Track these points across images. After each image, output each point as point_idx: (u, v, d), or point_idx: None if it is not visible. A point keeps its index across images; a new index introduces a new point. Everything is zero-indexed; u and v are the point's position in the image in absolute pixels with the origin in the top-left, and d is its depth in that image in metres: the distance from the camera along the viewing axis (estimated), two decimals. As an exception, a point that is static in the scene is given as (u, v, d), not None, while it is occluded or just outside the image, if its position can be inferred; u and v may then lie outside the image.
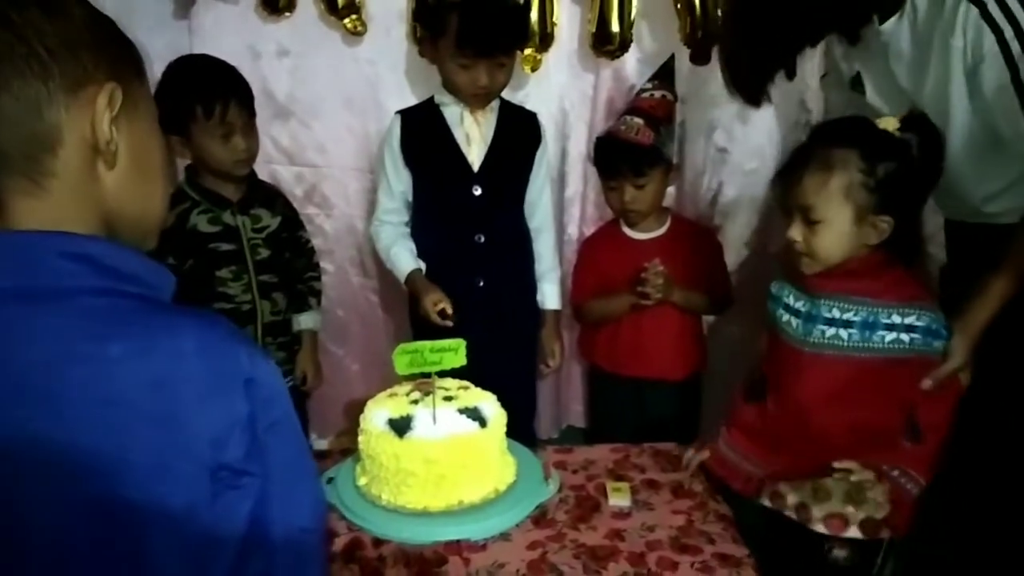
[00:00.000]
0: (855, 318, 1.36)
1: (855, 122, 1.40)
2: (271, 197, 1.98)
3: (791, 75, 1.56)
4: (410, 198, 1.99)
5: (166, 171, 0.79)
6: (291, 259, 2.00)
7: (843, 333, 1.36)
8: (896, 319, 1.35)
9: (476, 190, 1.94)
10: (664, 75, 2.02)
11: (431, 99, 1.97)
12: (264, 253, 1.91)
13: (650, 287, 1.92)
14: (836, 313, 1.37)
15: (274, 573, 0.69)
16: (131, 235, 0.74)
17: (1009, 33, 1.29)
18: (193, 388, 0.65)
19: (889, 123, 1.34)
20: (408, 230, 2.01)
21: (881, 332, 1.35)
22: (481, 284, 1.97)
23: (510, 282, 2.03)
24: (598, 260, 2.09)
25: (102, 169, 0.71)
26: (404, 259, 1.96)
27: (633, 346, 2.04)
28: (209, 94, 1.76)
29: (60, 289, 0.65)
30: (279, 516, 0.69)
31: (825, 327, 1.37)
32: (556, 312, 2.12)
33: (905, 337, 1.35)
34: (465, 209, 1.95)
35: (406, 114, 1.98)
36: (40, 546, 0.63)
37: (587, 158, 2.26)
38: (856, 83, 1.64)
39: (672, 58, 2.05)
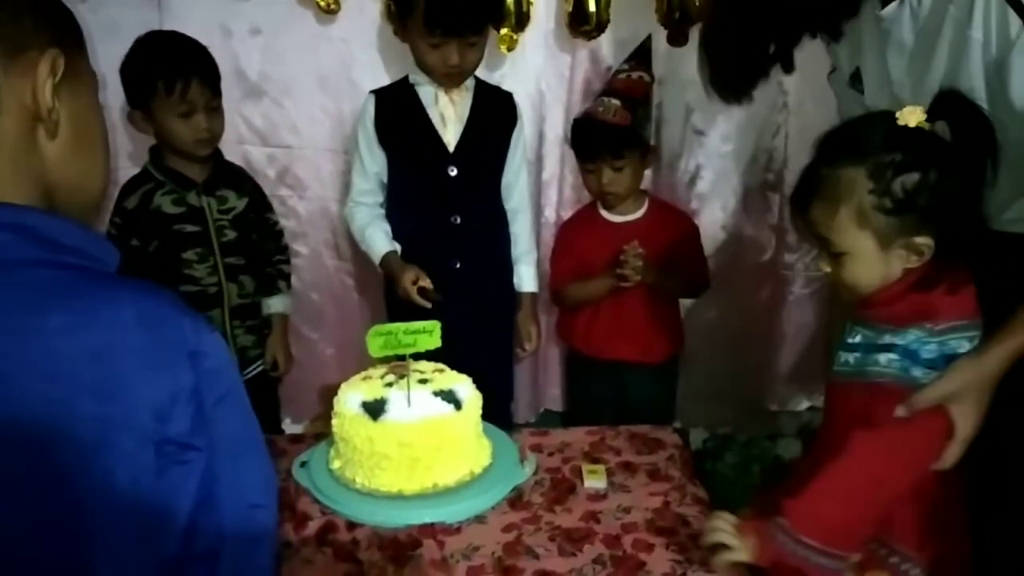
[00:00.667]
0: (862, 341, 1.20)
1: (863, 127, 1.17)
2: (238, 178, 1.95)
3: (788, 69, 1.41)
4: (385, 179, 1.97)
5: (107, 145, 0.77)
6: (259, 241, 1.97)
7: (850, 358, 1.21)
8: (888, 338, 1.15)
9: (452, 171, 1.91)
10: (640, 56, 2.01)
11: (405, 79, 1.94)
12: (230, 235, 1.88)
13: (629, 269, 1.91)
14: (858, 338, 1.21)
15: (224, 550, 0.67)
16: (71, 208, 0.72)
17: None
18: (134, 359, 0.64)
19: (912, 116, 1.09)
20: (383, 211, 1.99)
21: (875, 355, 1.17)
22: (457, 266, 1.95)
23: (486, 264, 2.02)
24: (576, 244, 2.08)
25: (43, 138, 0.69)
26: (379, 241, 1.93)
27: (611, 329, 2.04)
28: (171, 71, 1.73)
29: None
30: (228, 491, 0.67)
31: (842, 352, 1.23)
32: (533, 295, 2.11)
33: (883, 359, 1.16)
34: (440, 190, 1.93)
35: (380, 94, 1.95)
36: None
37: (564, 140, 2.25)
38: (856, 80, 1.46)
39: (649, 39, 2.03)
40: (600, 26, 2.15)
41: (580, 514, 1.36)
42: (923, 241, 1.12)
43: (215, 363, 0.67)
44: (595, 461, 1.52)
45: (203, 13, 2.10)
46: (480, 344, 1.89)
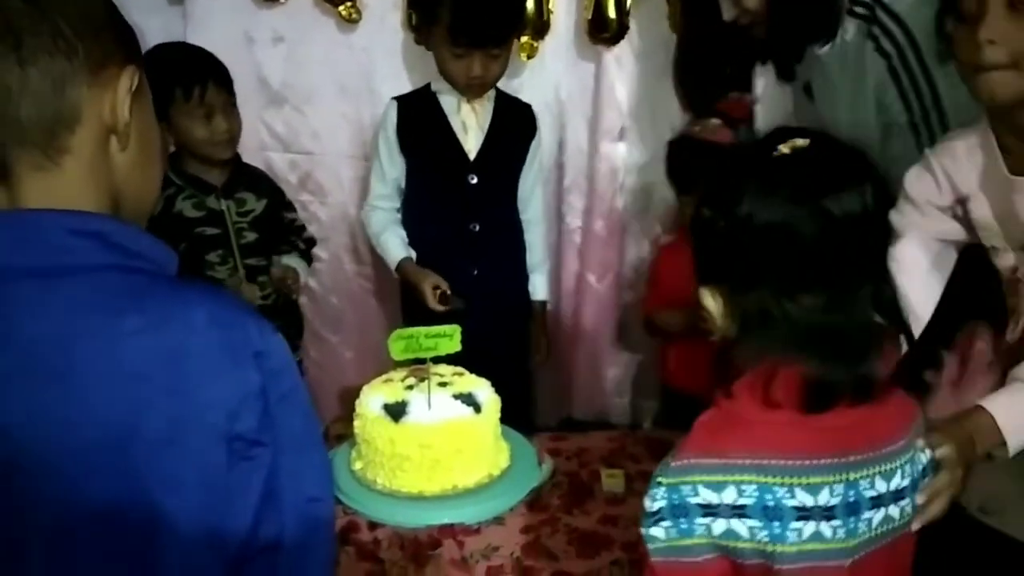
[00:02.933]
0: None
1: (750, 143, 0.95)
2: (256, 180, 1.98)
3: (746, 90, 1.75)
4: (403, 184, 1.99)
5: (163, 154, 0.80)
6: (278, 241, 1.99)
7: None
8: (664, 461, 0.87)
9: (472, 179, 1.94)
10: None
11: (427, 86, 1.97)
12: (250, 237, 1.91)
13: None
14: None
15: (284, 542, 0.69)
16: (132, 214, 0.76)
17: (907, 84, 1.43)
18: (206, 360, 0.66)
19: (788, 144, 0.82)
20: (399, 216, 2.01)
21: None
22: (475, 272, 1.97)
23: (504, 271, 2.04)
24: (671, 271, 2.00)
25: (114, 149, 0.73)
26: (395, 246, 1.96)
27: (697, 365, 1.98)
28: (187, 76, 1.77)
29: (71, 266, 0.66)
30: (289, 486, 0.70)
31: None
32: (544, 303, 2.13)
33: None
34: (461, 197, 1.95)
35: (402, 100, 1.97)
36: (49, 515, 0.64)
37: (588, 149, 2.26)
38: (808, 90, 1.67)
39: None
40: (621, 32, 2.16)
41: (598, 517, 1.38)
42: (705, 294, 0.87)
43: (278, 363, 0.70)
44: (613, 466, 1.53)
45: (226, 22, 2.13)
46: (499, 349, 1.90)
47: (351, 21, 2.15)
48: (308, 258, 2.07)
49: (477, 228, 1.96)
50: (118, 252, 0.69)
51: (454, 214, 1.96)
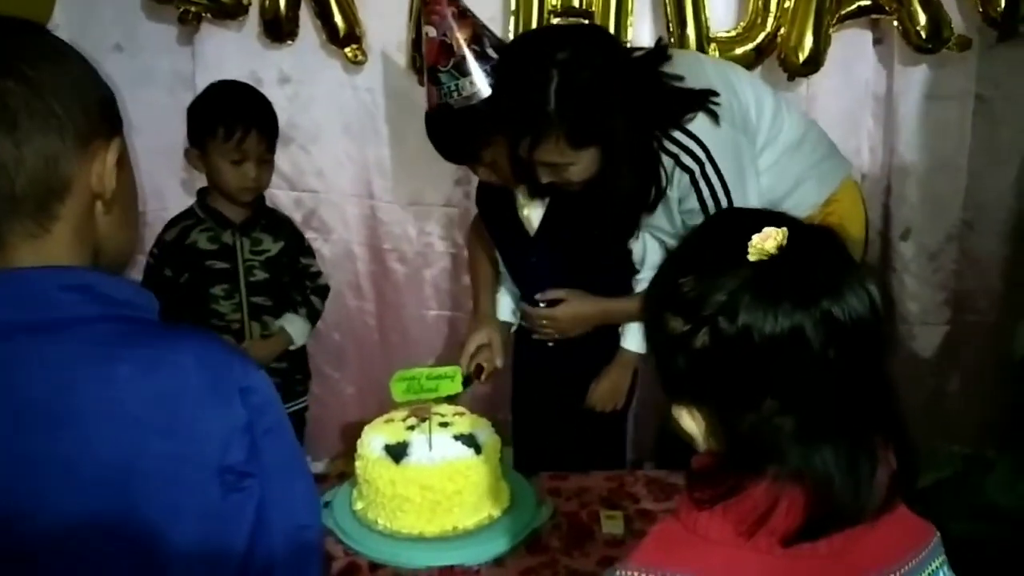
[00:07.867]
0: None
1: (702, 238, 0.82)
2: (277, 223, 2.01)
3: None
4: None
5: (138, 210, 0.84)
6: (290, 285, 2.01)
7: None
8: None
9: (532, 258, 1.82)
10: None
11: None
12: (260, 275, 1.94)
13: None
14: None
15: (276, 566, 0.72)
16: (113, 266, 0.80)
17: (707, 194, 1.57)
18: (196, 399, 0.70)
19: (772, 239, 0.70)
20: None
21: None
22: (550, 344, 1.86)
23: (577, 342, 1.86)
24: None
25: (99, 212, 0.76)
26: (501, 304, 1.92)
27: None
28: (233, 118, 1.81)
29: (63, 319, 0.70)
30: (278, 515, 0.73)
31: None
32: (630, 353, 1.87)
33: None
34: (523, 273, 1.87)
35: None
36: (52, 549, 0.67)
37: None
38: None
39: None
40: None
41: (597, 559, 1.38)
42: (681, 414, 0.78)
43: (262, 398, 0.73)
44: (613, 507, 1.53)
45: (234, 62, 2.19)
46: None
47: (357, 63, 2.19)
48: (315, 312, 2.05)
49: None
50: (105, 302, 0.72)
51: (521, 286, 1.88)
